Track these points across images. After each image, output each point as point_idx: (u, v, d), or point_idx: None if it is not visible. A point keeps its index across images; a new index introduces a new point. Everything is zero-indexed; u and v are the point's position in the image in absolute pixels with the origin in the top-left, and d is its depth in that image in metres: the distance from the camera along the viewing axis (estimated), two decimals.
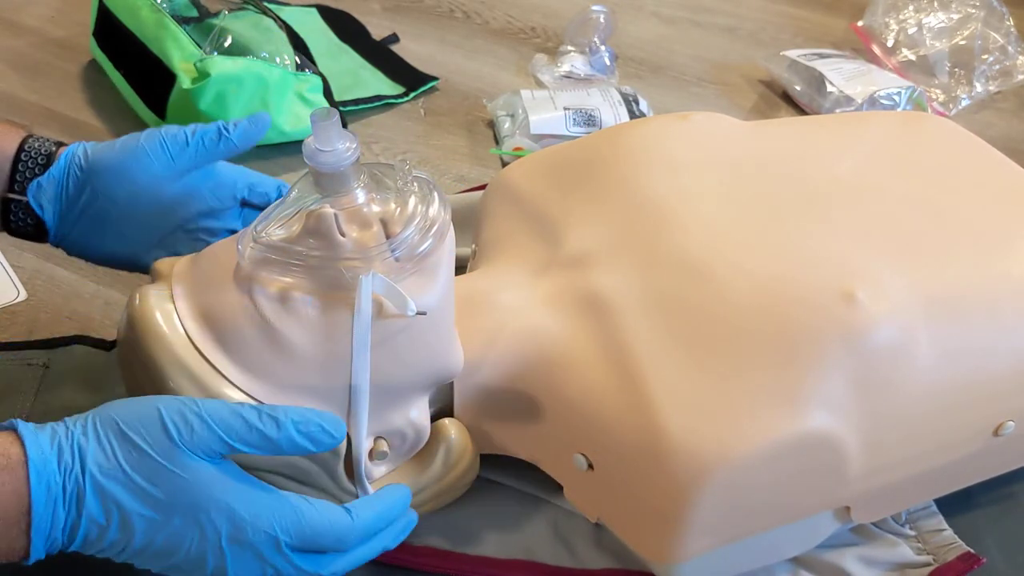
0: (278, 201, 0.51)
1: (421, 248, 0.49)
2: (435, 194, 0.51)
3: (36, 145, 0.59)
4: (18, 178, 0.58)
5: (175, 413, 0.43)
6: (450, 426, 0.55)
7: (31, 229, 0.60)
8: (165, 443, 0.42)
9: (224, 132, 0.59)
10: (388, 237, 0.49)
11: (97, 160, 0.58)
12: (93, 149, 0.59)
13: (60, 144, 0.60)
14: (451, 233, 0.52)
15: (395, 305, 0.48)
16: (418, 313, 0.48)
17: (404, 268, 0.49)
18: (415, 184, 0.51)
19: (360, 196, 0.49)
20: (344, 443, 0.50)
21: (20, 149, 0.59)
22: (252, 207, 0.63)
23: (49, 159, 0.59)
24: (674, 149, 0.63)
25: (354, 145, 0.47)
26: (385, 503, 0.49)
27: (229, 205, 0.62)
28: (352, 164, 0.47)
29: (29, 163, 0.58)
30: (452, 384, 0.55)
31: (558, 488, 0.57)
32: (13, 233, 0.60)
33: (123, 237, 0.60)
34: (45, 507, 0.41)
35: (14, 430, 0.42)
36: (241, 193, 0.62)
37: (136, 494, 0.42)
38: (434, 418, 0.55)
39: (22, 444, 0.41)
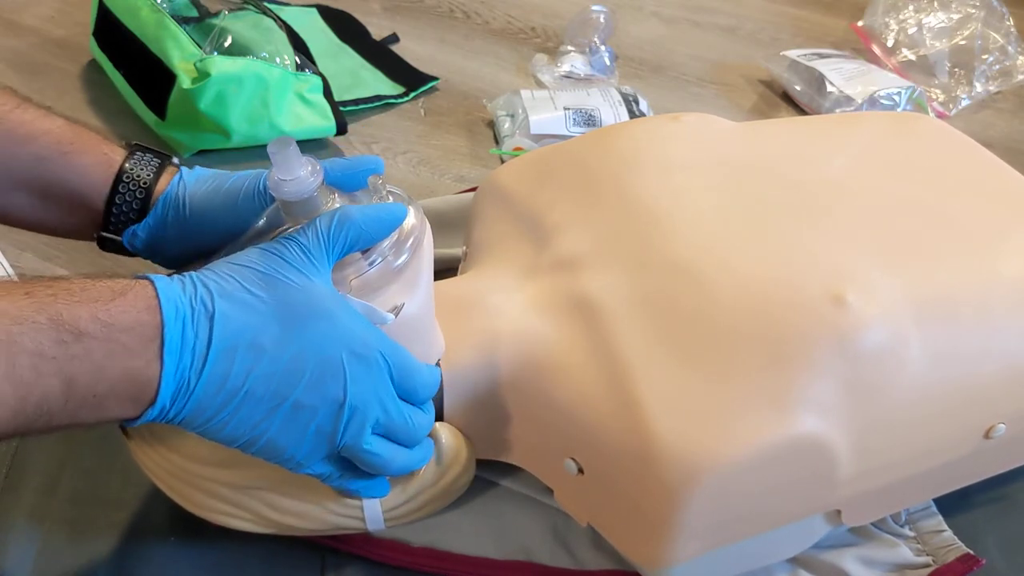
0: (245, 235, 0.51)
1: (397, 262, 0.49)
2: (410, 208, 0.51)
3: (134, 175, 0.54)
4: (112, 220, 0.55)
5: (275, 244, 0.46)
6: (440, 430, 0.54)
7: (120, 250, 0.57)
8: (278, 261, 0.45)
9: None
10: (363, 252, 0.49)
11: (196, 211, 0.54)
12: (192, 198, 0.54)
13: (162, 165, 0.55)
14: (428, 240, 0.52)
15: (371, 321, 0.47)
16: (394, 309, 0.49)
17: (381, 281, 0.49)
18: (390, 198, 0.51)
19: None
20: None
21: (117, 182, 0.54)
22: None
23: (147, 194, 0.54)
24: (664, 151, 0.63)
25: (318, 168, 0.47)
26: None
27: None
28: (317, 188, 0.47)
29: (124, 207, 0.54)
30: (441, 389, 0.54)
31: None
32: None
33: (201, 251, 0.56)
34: (175, 324, 0.42)
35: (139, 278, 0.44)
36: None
37: (261, 307, 0.44)
38: None
39: (148, 279, 0.43)
